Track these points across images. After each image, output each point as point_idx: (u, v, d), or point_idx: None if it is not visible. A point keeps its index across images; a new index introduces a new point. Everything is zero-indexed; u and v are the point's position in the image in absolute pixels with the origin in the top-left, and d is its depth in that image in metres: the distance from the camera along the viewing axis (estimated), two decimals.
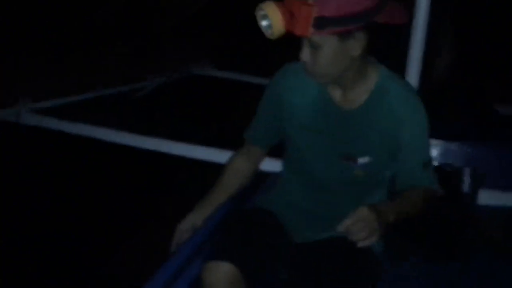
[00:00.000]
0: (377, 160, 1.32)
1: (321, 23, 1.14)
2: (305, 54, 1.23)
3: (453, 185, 1.56)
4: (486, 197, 1.66)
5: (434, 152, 1.83)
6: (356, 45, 1.21)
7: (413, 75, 1.82)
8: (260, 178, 1.79)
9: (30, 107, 2.60)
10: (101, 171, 2.51)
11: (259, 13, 1.19)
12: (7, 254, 1.93)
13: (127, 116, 3.16)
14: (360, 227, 1.11)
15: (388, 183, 1.41)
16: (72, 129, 2.45)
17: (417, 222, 1.39)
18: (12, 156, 2.54)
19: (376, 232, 1.13)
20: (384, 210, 1.19)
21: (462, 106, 2.42)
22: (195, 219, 1.49)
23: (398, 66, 1.47)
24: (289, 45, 1.28)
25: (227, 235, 1.33)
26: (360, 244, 1.12)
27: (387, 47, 1.49)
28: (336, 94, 1.32)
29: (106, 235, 2.16)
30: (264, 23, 1.18)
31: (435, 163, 1.41)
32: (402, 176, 1.35)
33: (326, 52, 1.20)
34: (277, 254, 1.36)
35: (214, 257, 1.23)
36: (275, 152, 1.61)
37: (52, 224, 2.16)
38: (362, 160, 1.31)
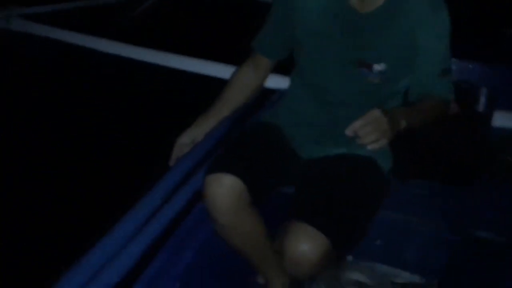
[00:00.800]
0: (393, 67, 1.24)
1: None
2: None
3: (468, 103, 1.49)
4: (501, 119, 1.60)
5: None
6: None
7: None
8: (266, 95, 1.72)
9: (20, 12, 2.44)
10: (94, 82, 2.41)
11: None
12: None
13: (124, 27, 3.02)
14: (370, 129, 1.07)
15: (402, 97, 1.35)
16: (61, 37, 2.31)
17: (428, 140, 1.34)
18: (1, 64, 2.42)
19: (387, 135, 1.09)
20: (396, 115, 1.14)
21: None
22: (195, 133, 1.44)
23: None
24: None
25: (232, 147, 1.28)
26: (370, 147, 1.09)
27: None
28: None
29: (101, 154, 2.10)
30: None
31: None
32: (417, 82, 1.28)
33: None
34: (283, 168, 1.32)
35: (217, 169, 1.18)
36: (281, 69, 1.53)
37: (43, 140, 2.09)
38: (378, 66, 1.23)
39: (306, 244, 1.10)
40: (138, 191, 1.29)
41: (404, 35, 1.22)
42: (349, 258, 1.74)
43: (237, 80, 1.47)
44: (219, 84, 1.65)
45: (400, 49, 1.23)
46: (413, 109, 1.23)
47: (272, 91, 1.73)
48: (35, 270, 1.50)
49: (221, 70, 2.01)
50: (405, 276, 1.70)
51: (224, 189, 1.16)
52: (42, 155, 1.96)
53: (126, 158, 1.94)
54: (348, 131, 1.08)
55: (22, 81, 2.34)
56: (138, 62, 2.25)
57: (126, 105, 2.25)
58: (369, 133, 1.07)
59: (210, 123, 1.45)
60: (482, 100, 1.54)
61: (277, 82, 1.76)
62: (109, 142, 2.07)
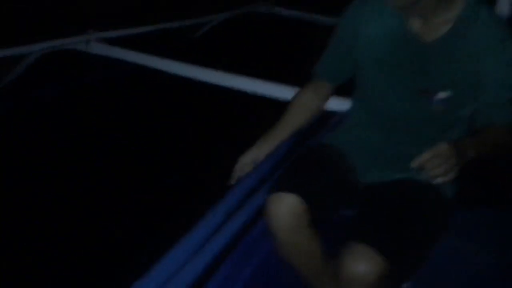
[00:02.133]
0: (458, 95, 1.23)
1: None
2: None
3: None
4: None
5: None
6: None
7: (504, 4, 1.66)
8: (327, 117, 1.75)
9: (99, 36, 2.63)
10: (164, 103, 2.54)
11: None
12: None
13: (189, 51, 3.16)
14: (437, 162, 1.05)
15: (467, 123, 1.33)
16: (139, 60, 2.47)
17: (493, 167, 1.31)
18: (80, 84, 2.61)
19: (454, 169, 1.06)
20: (464, 146, 1.12)
21: None
22: (257, 154, 1.48)
23: None
24: None
25: (294, 168, 1.31)
26: (436, 181, 1.07)
27: None
28: (416, 24, 1.23)
29: (163, 161, 2.20)
30: None
31: None
32: (482, 110, 1.25)
33: None
34: (342, 192, 1.33)
35: (280, 188, 1.22)
36: (342, 91, 1.55)
37: (112, 147, 2.23)
38: (443, 94, 1.22)
39: (363, 264, 1.10)
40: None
41: (469, 62, 1.20)
42: (408, 285, 1.71)
43: (298, 103, 1.50)
44: (275, 105, 1.69)
45: (465, 77, 1.22)
46: (480, 139, 1.19)
47: (333, 114, 1.75)
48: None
49: (281, 91, 2.07)
50: None
51: (286, 208, 1.19)
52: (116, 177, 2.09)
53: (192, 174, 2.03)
54: (415, 163, 1.07)
55: (100, 104, 2.52)
56: (203, 83, 2.35)
57: (191, 124, 2.36)
58: (436, 166, 1.05)
59: (271, 144, 1.48)
60: None
61: (338, 104, 1.78)
62: (174, 159, 2.18)
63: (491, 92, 1.23)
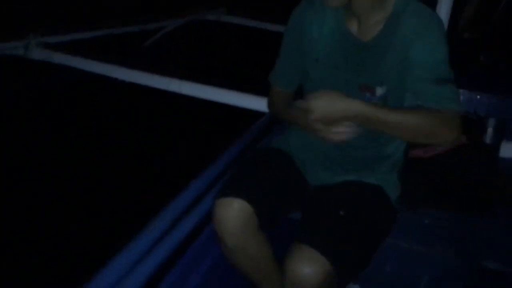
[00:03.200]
0: (394, 89, 1.25)
1: None
2: None
3: (476, 134, 1.50)
4: (510, 149, 1.60)
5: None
6: None
7: (444, 5, 1.69)
8: (275, 121, 1.75)
9: (39, 41, 2.53)
10: (108, 108, 2.47)
11: None
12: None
13: (137, 57, 3.10)
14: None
15: None
16: (81, 65, 2.38)
17: (437, 170, 1.35)
18: (19, 91, 2.49)
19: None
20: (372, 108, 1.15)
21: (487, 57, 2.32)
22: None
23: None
24: None
25: (241, 172, 1.29)
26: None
27: None
28: (353, 25, 1.26)
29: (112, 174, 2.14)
30: None
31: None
32: (412, 93, 1.22)
33: None
34: (291, 195, 1.33)
35: (227, 193, 1.20)
36: None
37: (56, 161, 2.14)
38: (380, 90, 1.24)
39: (307, 266, 1.09)
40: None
41: (399, 57, 1.22)
42: (356, 287, 1.72)
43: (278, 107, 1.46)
44: (225, 110, 1.67)
45: (399, 71, 1.23)
46: (397, 111, 1.18)
47: None
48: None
49: (229, 97, 2.06)
50: None
51: (233, 213, 1.17)
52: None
53: (138, 175, 1.98)
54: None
55: (38, 108, 2.41)
56: (147, 87, 2.31)
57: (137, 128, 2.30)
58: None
59: None
60: (490, 131, 1.55)
61: None
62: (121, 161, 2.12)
63: (418, 76, 1.20)
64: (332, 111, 1.18)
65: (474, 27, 2.36)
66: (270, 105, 1.50)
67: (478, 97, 1.87)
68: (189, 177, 1.47)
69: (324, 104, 1.17)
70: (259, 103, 1.92)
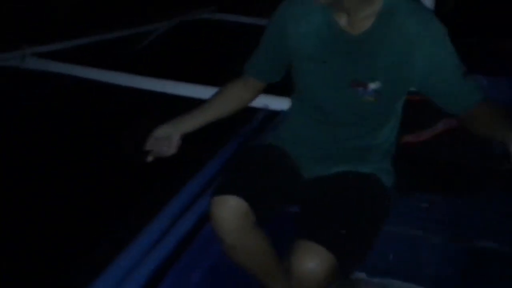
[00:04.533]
0: (388, 85, 1.26)
1: None
2: None
3: None
4: None
5: None
6: None
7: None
8: (269, 117, 1.77)
9: (34, 51, 2.55)
10: (107, 114, 2.49)
11: None
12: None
13: (132, 60, 3.11)
14: None
15: (400, 115, 1.37)
16: (78, 73, 2.40)
17: (429, 154, 1.36)
18: (15, 102, 2.52)
19: None
20: None
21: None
22: (171, 130, 1.37)
23: None
24: None
25: (235, 170, 1.31)
26: None
27: None
28: (342, 20, 1.26)
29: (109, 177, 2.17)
30: None
31: None
32: (451, 97, 1.25)
33: None
34: (287, 188, 1.35)
35: (222, 191, 1.22)
36: (283, 90, 1.57)
37: (54, 167, 2.17)
38: (373, 85, 1.25)
39: (311, 261, 1.11)
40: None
41: (397, 55, 1.23)
42: (362, 275, 1.75)
43: (226, 91, 1.47)
44: None
45: (394, 68, 1.24)
46: (504, 116, 1.17)
47: (275, 114, 1.77)
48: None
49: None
50: None
51: (230, 211, 1.19)
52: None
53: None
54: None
55: (39, 116, 2.43)
56: (143, 91, 2.32)
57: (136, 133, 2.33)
58: None
59: (187, 122, 1.40)
60: None
61: (280, 104, 1.80)
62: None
63: (449, 78, 1.23)
64: None
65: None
66: (225, 85, 1.48)
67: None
68: (186, 176, 1.49)
69: None
70: (255, 100, 1.93)
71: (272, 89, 1.59)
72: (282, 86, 1.53)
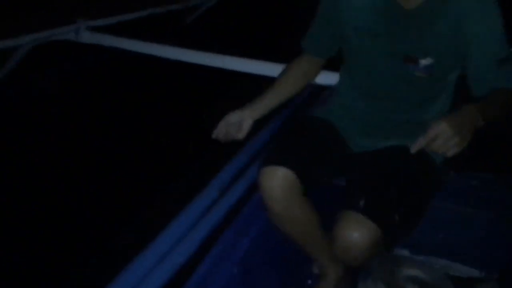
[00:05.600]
0: (440, 61, 1.24)
1: None
2: None
3: None
4: None
5: None
6: None
7: None
8: (317, 92, 1.76)
9: (88, 25, 2.62)
10: (161, 87, 2.55)
11: None
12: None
13: (183, 35, 3.16)
14: (438, 144, 1.03)
15: (453, 89, 1.34)
16: (131, 47, 2.46)
17: (480, 131, 1.33)
18: (72, 75, 2.62)
19: (459, 144, 1.03)
20: (471, 113, 1.09)
21: None
22: (244, 115, 1.39)
23: None
24: None
25: (284, 141, 1.33)
26: (448, 155, 1.04)
27: None
28: None
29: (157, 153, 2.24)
30: None
31: None
32: (476, 77, 1.24)
33: None
34: (334, 161, 1.36)
35: (270, 162, 1.24)
36: (332, 65, 1.56)
37: (106, 134, 2.26)
38: (424, 61, 1.23)
39: (356, 232, 1.13)
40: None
41: (450, 29, 1.20)
42: (406, 253, 1.74)
43: (290, 73, 1.48)
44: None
45: (446, 43, 1.22)
46: (487, 104, 1.16)
47: (323, 88, 1.77)
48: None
49: (272, 69, 2.07)
50: (463, 270, 1.67)
51: (278, 181, 1.22)
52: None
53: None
54: (413, 149, 1.05)
55: (90, 90, 2.53)
56: (193, 64, 2.35)
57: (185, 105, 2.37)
58: (437, 148, 1.03)
59: (260, 107, 1.41)
60: None
61: (329, 78, 1.79)
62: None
63: (480, 58, 1.22)
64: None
65: None
66: (289, 65, 1.48)
67: None
68: (235, 147, 1.52)
69: (453, 131, 1.04)
70: None
71: None
72: (330, 61, 1.53)
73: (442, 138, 1.03)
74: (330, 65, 1.57)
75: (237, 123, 1.38)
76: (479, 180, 1.54)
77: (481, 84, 1.24)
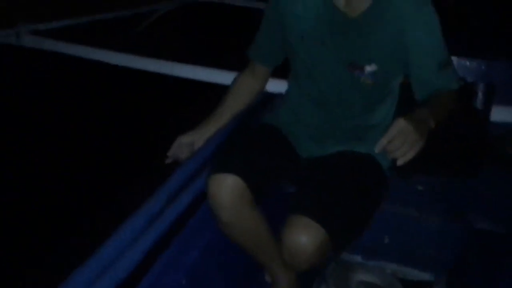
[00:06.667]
0: (384, 67, 1.26)
1: None
2: None
3: (466, 99, 1.51)
4: (499, 114, 1.62)
5: None
6: None
7: None
8: (266, 99, 1.76)
9: (30, 29, 2.52)
10: (101, 93, 2.47)
11: None
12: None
13: (129, 41, 3.09)
14: (398, 143, 1.03)
15: (397, 93, 1.37)
16: (73, 51, 2.38)
17: (428, 137, 1.36)
18: (12, 79, 2.50)
19: (418, 142, 1.04)
20: (423, 117, 1.10)
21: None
22: (196, 136, 1.46)
23: None
24: None
25: (232, 148, 1.31)
26: (401, 161, 1.03)
27: None
28: (340, 1, 1.25)
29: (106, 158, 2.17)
30: None
31: None
32: (419, 82, 1.28)
33: None
34: (283, 168, 1.35)
35: (219, 169, 1.22)
36: (280, 72, 1.56)
37: (50, 144, 2.17)
38: (369, 68, 1.26)
39: (303, 235, 1.12)
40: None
41: (391, 36, 1.23)
42: (358, 258, 1.76)
43: (238, 87, 1.51)
44: (222, 90, 1.69)
45: (389, 50, 1.24)
46: (434, 106, 1.19)
47: (272, 95, 1.76)
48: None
49: (222, 77, 2.06)
50: (414, 274, 1.71)
51: (226, 189, 1.20)
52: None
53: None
54: (378, 149, 1.05)
55: (30, 95, 2.42)
56: (143, 71, 2.31)
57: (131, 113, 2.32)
58: (398, 147, 1.03)
59: (211, 128, 1.48)
60: (480, 95, 1.56)
61: (278, 86, 1.79)
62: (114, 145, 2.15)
63: (422, 62, 1.25)
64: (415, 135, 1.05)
65: None
66: (235, 80, 1.53)
67: (467, 62, 1.88)
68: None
69: (412, 128, 1.05)
70: None
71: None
72: (279, 68, 1.53)
73: (403, 134, 1.03)
74: (279, 72, 1.57)
75: (190, 144, 1.43)
76: (425, 185, 1.58)
77: (425, 87, 1.28)
